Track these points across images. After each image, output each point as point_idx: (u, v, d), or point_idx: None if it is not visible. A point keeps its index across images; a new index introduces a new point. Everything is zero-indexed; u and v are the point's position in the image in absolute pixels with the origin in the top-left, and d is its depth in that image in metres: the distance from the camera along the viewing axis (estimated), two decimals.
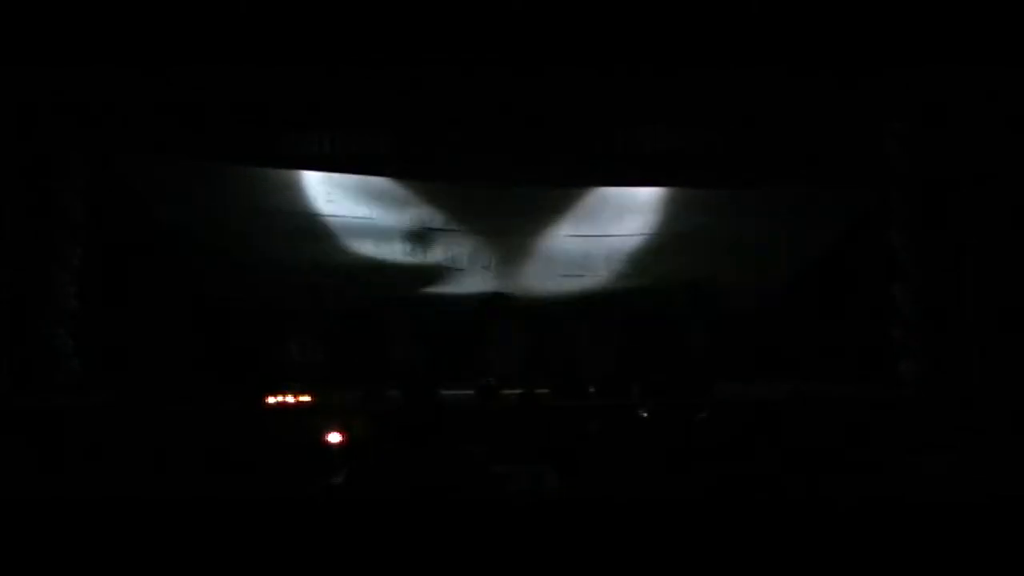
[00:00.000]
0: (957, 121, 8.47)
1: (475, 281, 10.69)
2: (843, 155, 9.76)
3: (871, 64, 8.05)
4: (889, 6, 7.35)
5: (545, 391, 8.10)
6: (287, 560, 2.96)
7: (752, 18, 7.42)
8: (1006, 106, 8.04)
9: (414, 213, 10.36)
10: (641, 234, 10.75)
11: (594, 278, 10.85)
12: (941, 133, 8.65)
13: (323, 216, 10.20)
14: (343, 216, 10.27)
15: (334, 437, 6.10)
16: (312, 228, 10.25)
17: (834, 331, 10.13)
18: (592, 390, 8.27)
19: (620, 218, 10.65)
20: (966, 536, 3.03)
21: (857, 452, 4.72)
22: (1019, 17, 7.20)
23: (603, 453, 4.54)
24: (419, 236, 10.50)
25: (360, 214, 10.32)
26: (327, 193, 10.06)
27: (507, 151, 10.07)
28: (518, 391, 7.72)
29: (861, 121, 9.29)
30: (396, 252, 10.55)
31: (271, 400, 7.69)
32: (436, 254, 10.61)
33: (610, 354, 10.07)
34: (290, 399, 7.77)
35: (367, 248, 10.53)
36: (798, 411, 6.03)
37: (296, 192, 10.04)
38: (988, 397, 7.62)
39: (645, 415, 5.84)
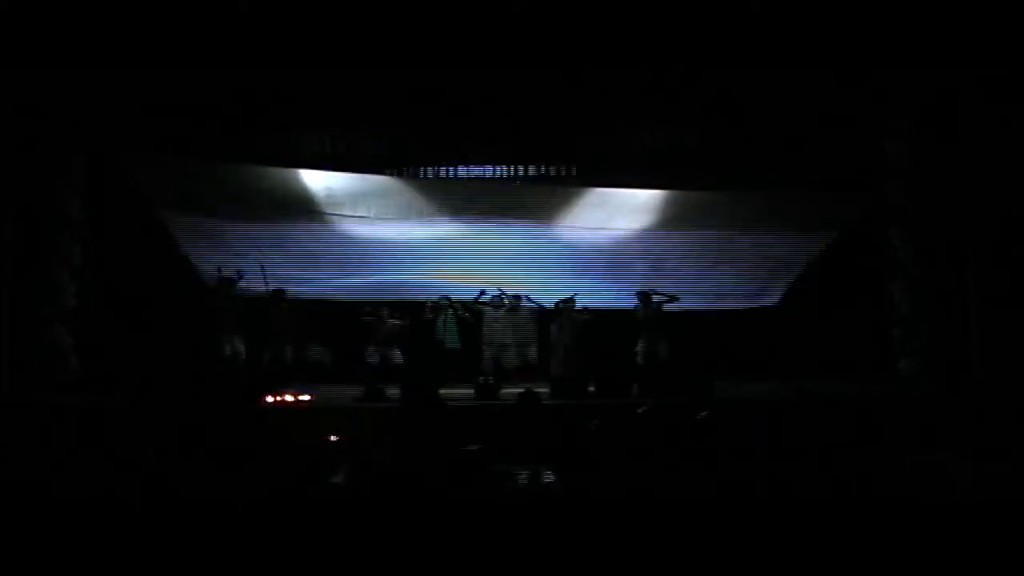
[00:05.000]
0: (957, 121, 8.47)
1: (475, 277, 10.68)
2: (843, 154, 9.78)
3: (871, 64, 8.06)
4: (890, 7, 7.35)
5: (545, 390, 8.10)
6: (287, 560, 2.96)
7: (753, 19, 7.42)
8: (1005, 105, 8.03)
9: (414, 209, 10.35)
10: (639, 230, 10.74)
11: (591, 270, 10.84)
12: (941, 133, 8.65)
13: (323, 214, 10.19)
14: (343, 214, 10.27)
15: (334, 437, 6.10)
16: (312, 227, 10.25)
17: (834, 331, 10.13)
18: (592, 389, 8.26)
19: (619, 215, 10.65)
20: (966, 536, 3.03)
21: (857, 451, 4.72)
22: (1017, 19, 7.20)
23: (603, 453, 4.54)
24: (418, 232, 10.50)
25: (360, 212, 10.31)
26: (327, 191, 10.05)
27: (506, 150, 10.09)
28: (518, 390, 7.72)
29: (861, 120, 9.29)
30: (395, 248, 10.54)
31: (271, 400, 7.68)
32: (436, 249, 10.60)
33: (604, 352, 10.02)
34: (290, 399, 7.76)
35: (367, 245, 10.52)
36: (798, 411, 6.04)
37: (297, 191, 10.03)
38: (988, 397, 7.62)
39: (645, 415, 5.84)
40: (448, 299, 10.16)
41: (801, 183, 10.53)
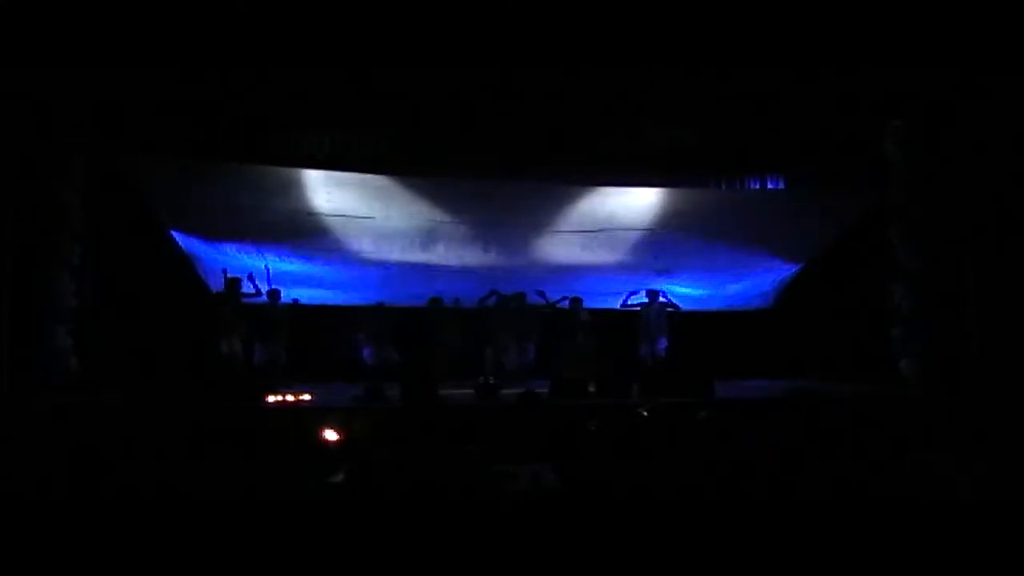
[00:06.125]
0: (957, 121, 8.46)
1: (475, 277, 10.69)
2: (843, 155, 9.77)
3: (872, 64, 8.05)
4: (890, 7, 7.35)
5: (545, 391, 8.10)
6: (287, 560, 2.96)
7: (753, 18, 7.42)
8: (1005, 105, 8.03)
9: (413, 210, 10.36)
10: (639, 230, 10.76)
11: (592, 270, 10.88)
12: (941, 133, 8.65)
13: (323, 215, 10.20)
14: (343, 215, 10.27)
15: (333, 437, 6.10)
16: (312, 227, 10.26)
17: (834, 331, 10.14)
18: (592, 390, 8.26)
19: (620, 215, 10.66)
20: (966, 536, 3.03)
21: (857, 451, 4.72)
22: (1017, 19, 7.20)
23: (603, 453, 4.54)
24: (418, 233, 10.51)
25: (360, 212, 10.31)
26: (326, 192, 10.05)
27: (506, 149, 10.06)
28: (518, 390, 7.72)
29: (861, 121, 9.29)
30: (395, 249, 10.55)
31: (271, 400, 7.68)
32: (435, 250, 10.61)
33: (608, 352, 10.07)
34: (290, 399, 7.76)
35: (366, 246, 10.53)
36: (798, 411, 6.04)
37: (296, 191, 10.03)
38: (988, 397, 7.62)
39: (645, 415, 5.85)
40: (443, 299, 10.20)
41: (801, 183, 10.53)
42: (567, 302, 10.13)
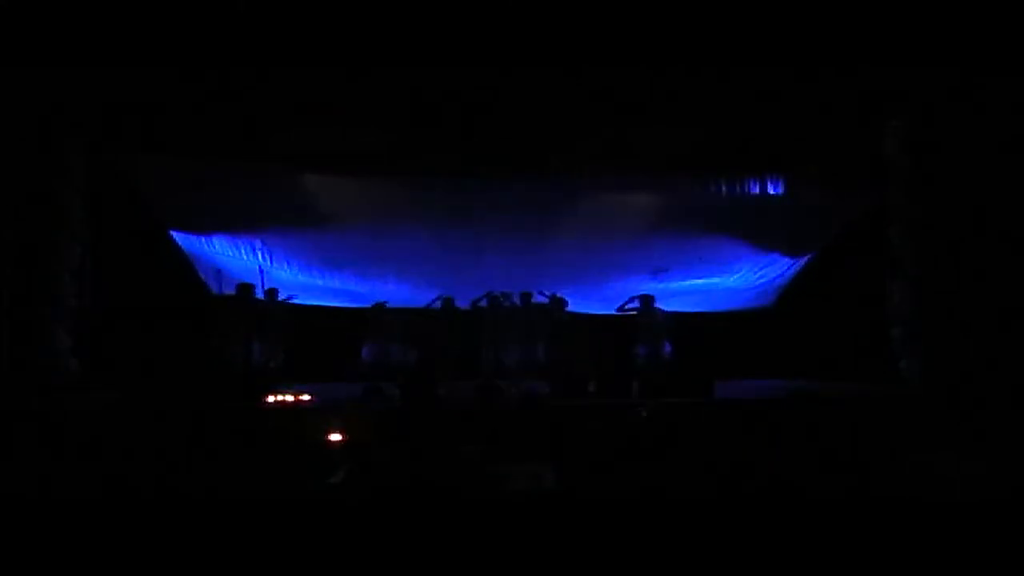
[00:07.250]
0: (956, 121, 8.47)
1: (473, 277, 10.69)
2: (843, 154, 9.78)
3: (871, 64, 8.05)
4: (889, 7, 7.35)
5: (545, 391, 8.09)
6: (287, 560, 2.96)
7: (753, 18, 7.42)
8: (1005, 106, 8.03)
9: (412, 210, 10.36)
10: (640, 234, 10.76)
11: (591, 270, 10.88)
12: (941, 133, 8.65)
13: (322, 214, 10.20)
14: (342, 214, 10.27)
15: (334, 437, 6.10)
16: (311, 227, 10.26)
17: (834, 331, 10.14)
18: (592, 390, 8.26)
19: (619, 215, 10.66)
20: (966, 536, 3.04)
21: (857, 451, 4.73)
22: (1017, 20, 7.20)
23: (603, 453, 4.55)
24: (417, 232, 10.51)
25: (359, 212, 10.31)
26: (326, 192, 10.05)
27: (506, 149, 10.08)
28: (518, 391, 7.72)
29: (861, 120, 9.29)
30: (394, 249, 10.55)
31: (271, 400, 7.68)
32: (434, 250, 10.61)
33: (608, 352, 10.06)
34: (290, 399, 7.76)
35: (366, 245, 10.53)
36: (798, 411, 6.04)
37: (296, 191, 10.03)
38: (988, 397, 7.62)
39: (645, 415, 5.85)
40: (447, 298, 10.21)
41: (801, 183, 10.54)
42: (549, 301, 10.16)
